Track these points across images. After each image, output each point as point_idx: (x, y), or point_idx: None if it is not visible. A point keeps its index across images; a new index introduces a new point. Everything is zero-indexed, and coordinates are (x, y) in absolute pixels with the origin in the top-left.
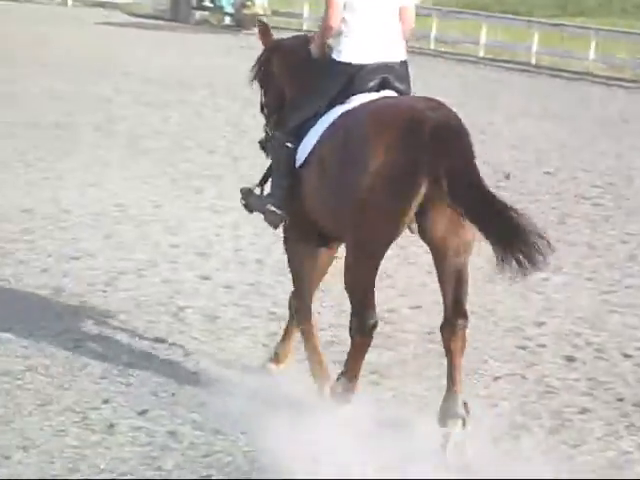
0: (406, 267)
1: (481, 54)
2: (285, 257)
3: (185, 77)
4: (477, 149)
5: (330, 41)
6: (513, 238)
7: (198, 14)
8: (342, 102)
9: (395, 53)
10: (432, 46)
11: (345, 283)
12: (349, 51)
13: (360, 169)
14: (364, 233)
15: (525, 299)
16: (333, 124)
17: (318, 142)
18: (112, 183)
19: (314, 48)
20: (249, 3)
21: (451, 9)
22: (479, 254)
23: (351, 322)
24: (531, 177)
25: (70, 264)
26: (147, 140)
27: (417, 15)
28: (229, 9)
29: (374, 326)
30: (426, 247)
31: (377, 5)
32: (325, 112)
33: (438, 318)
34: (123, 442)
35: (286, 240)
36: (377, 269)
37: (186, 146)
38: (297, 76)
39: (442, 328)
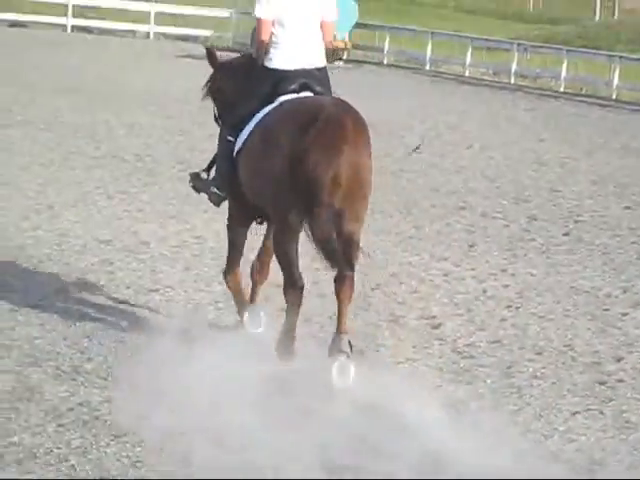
0: (485, 301)
1: (561, 88)
2: None
3: None
4: (555, 184)
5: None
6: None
7: None
8: (270, 102)
9: (315, 61)
10: (512, 80)
11: (274, 252)
12: (276, 59)
13: (273, 155)
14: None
15: (604, 334)
16: (260, 120)
17: (249, 135)
18: (191, 216)
19: (255, 56)
20: None
21: (532, 44)
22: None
23: (284, 284)
24: (611, 212)
25: (149, 296)
26: None
27: (497, 49)
28: None
29: (302, 287)
30: (504, 281)
31: (301, 21)
32: (258, 111)
33: (518, 353)
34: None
35: (228, 215)
36: (296, 239)
37: None
38: (237, 84)
39: (335, 280)
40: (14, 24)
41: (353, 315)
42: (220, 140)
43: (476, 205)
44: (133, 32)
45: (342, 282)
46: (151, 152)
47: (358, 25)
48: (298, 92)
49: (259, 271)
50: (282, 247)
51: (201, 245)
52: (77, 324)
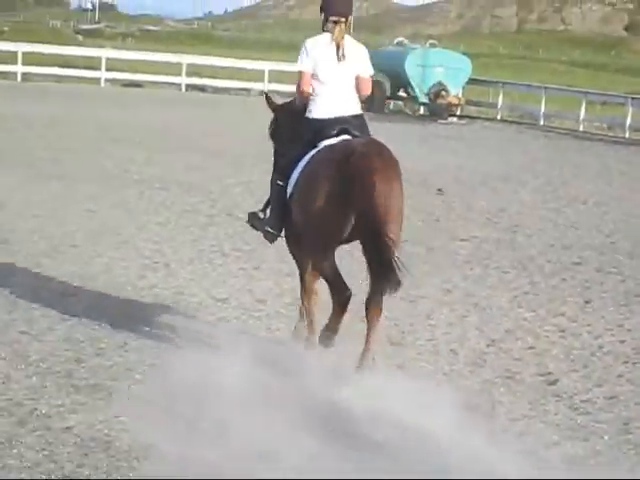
0: (601, 357)
1: None
2: None
3: None
4: None
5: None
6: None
7: (392, 104)
8: (314, 147)
9: (351, 110)
10: (627, 134)
11: (321, 274)
12: (316, 110)
13: (316, 198)
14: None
15: None
16: (304, 167)
17: (298, 179)
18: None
19: (297, 105)
20: (444, 93)
21: None
22: None
23: (334, 295)
24: None
25: (264, 352)
26: None
27: (611, 103)
28: (424, 99)
29: (349, 297)
30: (621, 337)
31: (337, 77)
32: (302, 157)
33: (635, 409)
34: None
35: (289, 250)
36: (333, 260)
37: None
38: (286, 130)
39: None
40: (129, 84)
41: (469, 372)
42: (272, 184)
43: (591, 260)
44: (247, 90)
45: (377, 303)
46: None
47: (471, 81)
48: (337, 136)
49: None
50: (328, 268)
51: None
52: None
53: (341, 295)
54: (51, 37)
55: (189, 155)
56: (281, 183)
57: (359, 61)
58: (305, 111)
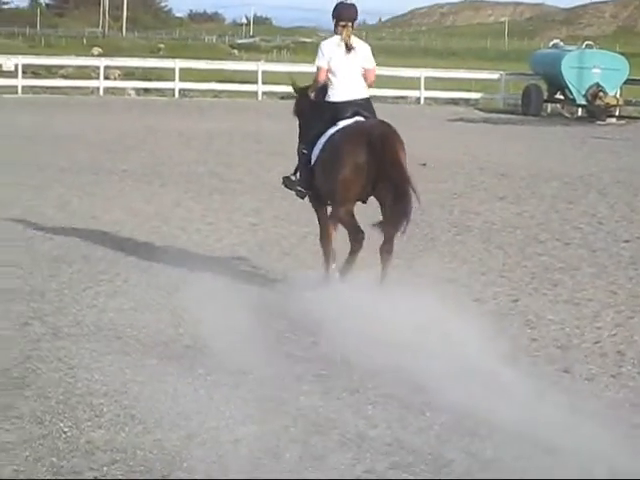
0: None
1: None
2: None
3: (537, 170)
4: None
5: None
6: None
7: (550, 107)
8: (332, 125)
9: (360, 94)
10: None
11: (341, 223)
12: (333, 95)
13: (340, 166)
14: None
15: None
16: (327, 139)
17: (320, 151)
18: (469, 278)
19: (311, 93)
20: (601, 94)
21: None
22: None
23: (351, 237)
24: None
25: (429, 361)
26: (502, 234)
27: None
28: (581, 101)
29: (363, 237)
30: None
31: (347, 69)
32: (323, 132)
33: None
34: None
35: (311, 204)
36: (352, 212)
37: (541, 239)
38: (309, 111)
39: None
40: (286, 96)
41: (637, 373)
42: (298, 152)
43: None
44: (404, 98)
45: (389, 247)
46: (426, 217)
47: (629, 81)
48: (351, 117)
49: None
50: (346, 218)
51: (480, 308)
52: (360, 391)
53: (357, 235)
54: (207, 52)
55: None
56: (306, 152)
57: (364, 56)
58: (320, 98)
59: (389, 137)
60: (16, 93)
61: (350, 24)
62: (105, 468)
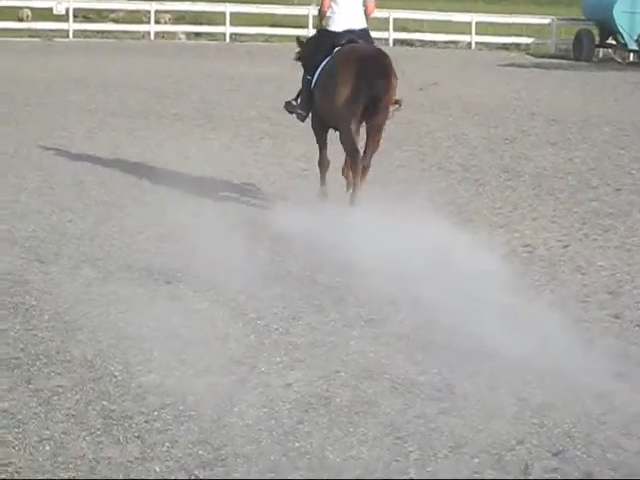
0: None
1: None
2: None
3: (589, 115)
4: None
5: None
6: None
7: (601, 52)
8: (330, 53)
9: (358, 24)
10: None
11: (341, 143)
12: (333, 25)
13: (335, 86)
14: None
15: None
16: (324, 64)
17: (318, 75)
18: (520, 224)
19: (317, 22)
20: None
21: None
22: None
23: (350, 159)
24: None
25: (480, 306)
26: (553, 180)
27: None
28: (633, 46)
29: (359, 152)
30: None
31: (348, 1)
32: (323, 59)
33: None
34: None
35: (312, 125)
36: (353, 134)
37: (592, 185)
38: (311, 46)
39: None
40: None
41: None
42: (302, 79)
43: None
44: (455, 43)
45: (367, 165)
46: (477, 162)
47: None
48: (347, 44)
49: (346, 167)
50: (347, 139)
51: (530, 253)
52: (410, 337)
53: (356, 152)
54: None
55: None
56: (309, 77)
57: None
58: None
59: (378, 57)
60: (67, 37)
61: None
62: (155, 412)
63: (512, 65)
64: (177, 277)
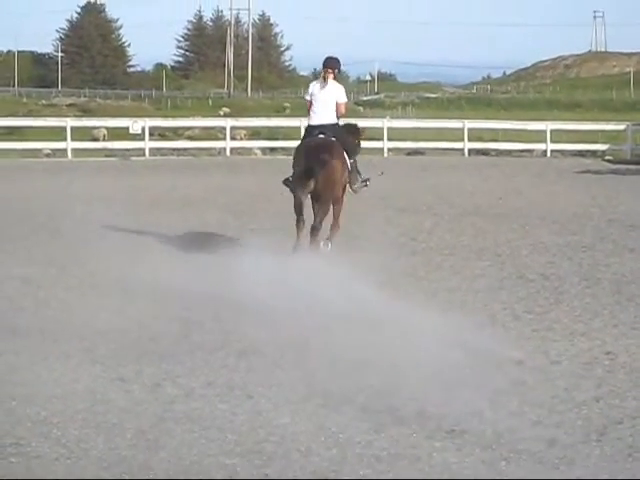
0: None
1: None
2: None
3: None
4: None
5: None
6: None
7: None
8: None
9: (330, 120)
10: None
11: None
12: (311, 120)
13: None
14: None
15: None
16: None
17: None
18: (601, 332)
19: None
20: None
21: None
22: None
23: (296, 221)
24: None
25: (563, 415)
26: (632, 286)
27: None
28: None
29: (304, 222)
30: None
31: (324, 100)
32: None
33: None
34: None
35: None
36: (297, 201)
37: None
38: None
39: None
40: (412, 152)
41: None
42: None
43: None
44: (530, 151)
45: (316, 228)
46: (555, 270)
47: None
48: (317, 135)
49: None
50: (294, 205)
51: (612, 361)
52: (493, 447)
53: (298, 217)
54: None
55: (476, 220)
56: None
57: (338, 93)
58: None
59: (324, 145)
60: (143, 155)
61: (331, 70)
62: None
63: (588, 172)
64: (258, 391)
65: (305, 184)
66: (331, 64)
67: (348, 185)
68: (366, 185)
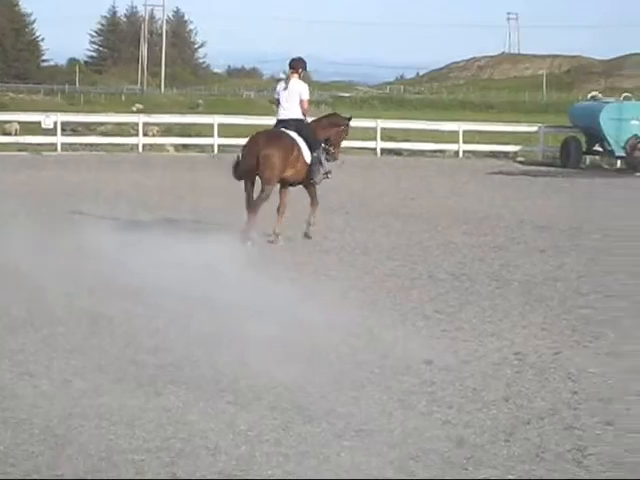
0: None
1: None
2: None
3: (577, 222)
4: None
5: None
6: None
7: (589, 159)
8: None
9: (294, 115)
10: None
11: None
12: (279, 115)
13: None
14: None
15: None
16: None
17: None
18: (510, 332)
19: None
20: None
21: None
22: None
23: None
24: None
25: (472, 415)
26: (542, 287)
27: None
28: (620, 152)
29: (250, 202)
30: None
31: (288, 98)
32: None
33: None
34: None
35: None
36: (250, 188)
37: (582, 291)
38: None
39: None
40: None
41: None
42: None
43: None
44: (442, 151)
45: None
46: (466, 270)
47: None
48: (280, 128)
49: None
50: (246, 189)
51: (521, 361)
52: (402, 447)
53: (248, 202)
54: (246, 108)
55: (387, 219)
56: None
57: (301, 90)
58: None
59: (273, 135)
60: (55, 150)
61: (295, 70)
62: None
63: (500, 173)
64: (167, 388)
65: (244, 170)
66: (295, 64)
67: (312, 176)
68: (328, 177)
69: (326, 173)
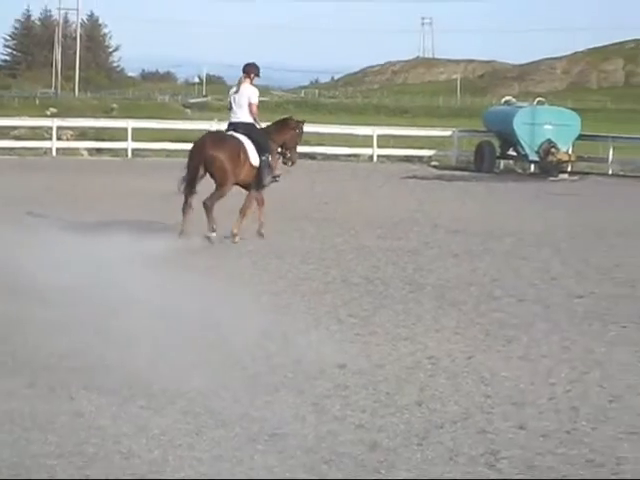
0: None
1: None
2: None
3: (491, 226)
4: None
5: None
6: None
7: (503, 163)
8: None
9: (244, 118)
10: None
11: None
12: (230, 118)
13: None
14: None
15: None
16: None
17: None
18: (424, 336)
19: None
20: (553, 150)
21: None
22: None
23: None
24: None
25: (385, 419)
26: (456, 291)
27: None
28: (534, 157)
29: (186, 202)
30: None
31: (237, 102)
32: None
33: None
34: None
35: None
36: (190, 188)
37: (495, 295)
38: None
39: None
40: None
41: (591, 429)
42: None
43: None
44: (356, 156)
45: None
46: (380, 274)
47: (581, 137)
48: (229, 131)
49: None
50: (186, 190)
51: (434, 365)
52: (315, 450)
53: (185, 205)
54: (160, 112)
55: (303, 223)
56: None
57: (250, 95)
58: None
59: (219, 139)
60: None
61: (247, 75)
62: None
63: (414, 177)
64: (80, 393)
65: (195, 169)
66: (247, 69)
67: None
68: (276, 180)
69: (275, 177)
